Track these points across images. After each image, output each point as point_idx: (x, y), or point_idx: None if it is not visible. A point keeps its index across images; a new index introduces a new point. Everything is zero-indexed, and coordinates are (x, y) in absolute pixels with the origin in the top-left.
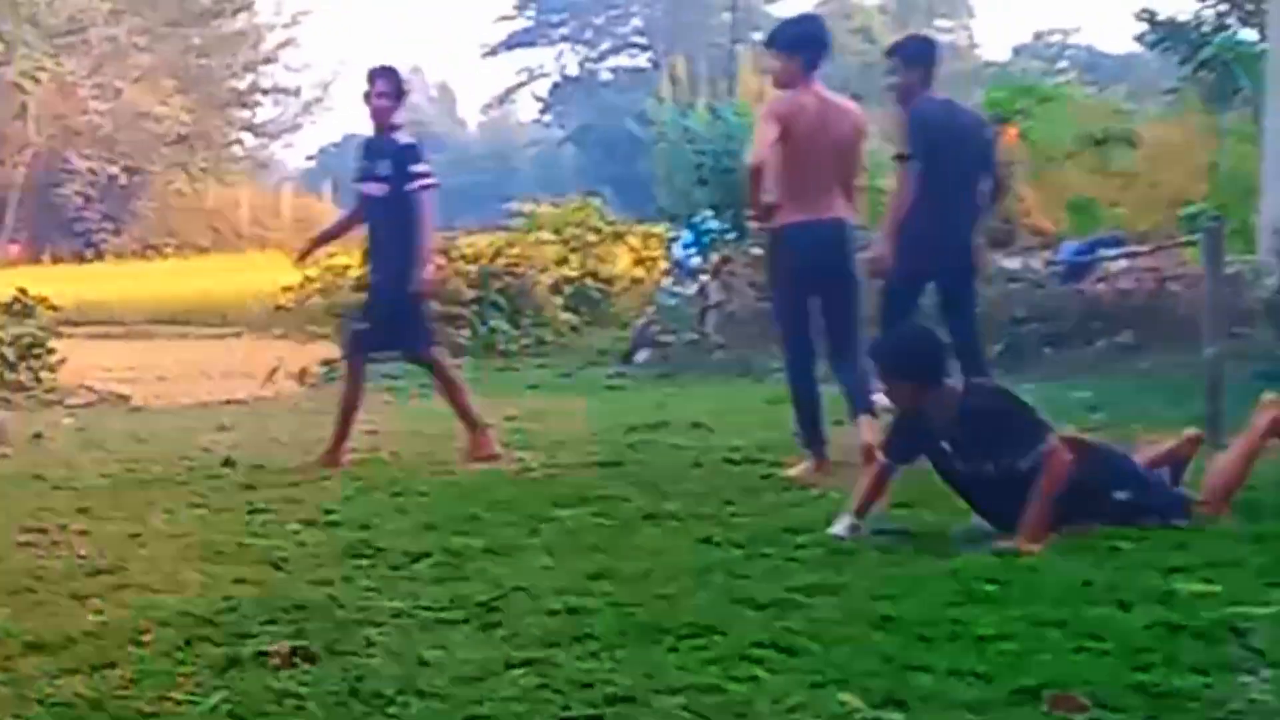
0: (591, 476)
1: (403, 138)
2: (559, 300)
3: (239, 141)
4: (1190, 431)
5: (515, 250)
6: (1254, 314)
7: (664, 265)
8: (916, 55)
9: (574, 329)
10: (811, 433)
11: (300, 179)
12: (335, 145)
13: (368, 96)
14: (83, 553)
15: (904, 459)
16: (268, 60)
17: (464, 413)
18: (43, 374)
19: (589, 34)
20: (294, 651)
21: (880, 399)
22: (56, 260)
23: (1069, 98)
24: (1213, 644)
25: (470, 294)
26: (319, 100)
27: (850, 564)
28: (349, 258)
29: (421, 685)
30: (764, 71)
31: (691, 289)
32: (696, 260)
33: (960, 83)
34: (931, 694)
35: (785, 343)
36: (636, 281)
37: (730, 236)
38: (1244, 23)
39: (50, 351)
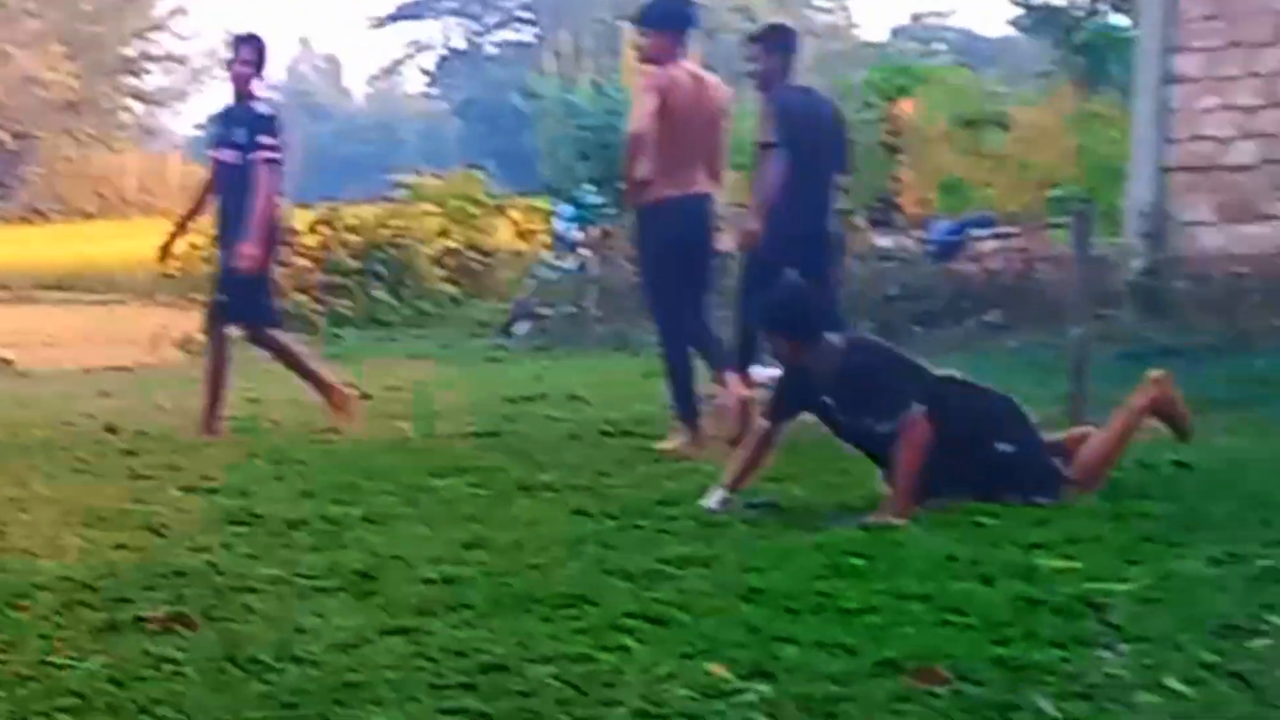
0: (468, 447)
1: (261, 108)
2: (441, 272)
3: (127, 108)
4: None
5: (399, 221)
6: (1119, 296)
7: (545, 239)
8: (777, 43)
9: (455, 300)
10: (685, 405)
11: (188, 147)
12: (220, 115)
13: (230, 63)
14: None
15: (788, 416)
16: (157, 28)
17: (313, 379)
18: None
19: (475, 8)
20: (172, 617)
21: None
22: None
23: (944, 80)
24: (1071, 619)
25: (354, 264)
26: (208, 69)
27: (720, 536)
28: None
29: (298, 652)
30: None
31: (571, 263)
32: (577, 234)
33: (839, 63)
34: (797, 665)
35: (657, 316)
36: (518, 254)
37: (611, 211)
38: (1115, 8)
39: None
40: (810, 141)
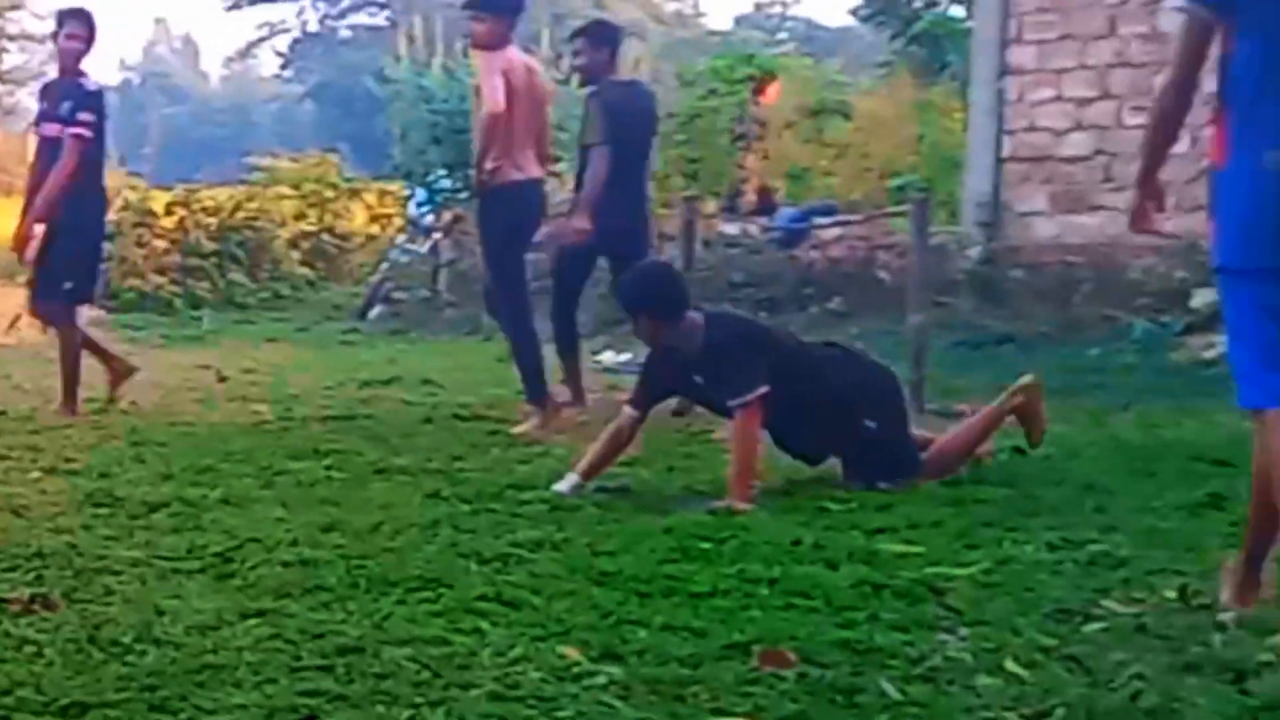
0: (324, 430)
1: (88, 84)
2: (296, 255)
3: None
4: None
5: (254, 204)
6: (958, 284)
7: (400, 223)
8: (602, 38)
9: (311, 284)
10: (535, 388)
11: None
12: None
13: (56, 37)
14: None
15: (656, 401)
16: (15, 6)
17: (101, 354)
18: None
19: None
20: (33, 599)
21: (605, 359)
22: None
23: (788, 69)
24: (913, 602)
25: (210, 247)
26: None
27: (571, 520)
28: None
29: (158, 634)
30: (465, 35)
31: (425, 247)
32: (430, 219)
33: (685, 51)
34: (647, 648)
35: (505, 299)
36: (372, 238)
37: (463, 195)
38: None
39: None
40: (631, 137)
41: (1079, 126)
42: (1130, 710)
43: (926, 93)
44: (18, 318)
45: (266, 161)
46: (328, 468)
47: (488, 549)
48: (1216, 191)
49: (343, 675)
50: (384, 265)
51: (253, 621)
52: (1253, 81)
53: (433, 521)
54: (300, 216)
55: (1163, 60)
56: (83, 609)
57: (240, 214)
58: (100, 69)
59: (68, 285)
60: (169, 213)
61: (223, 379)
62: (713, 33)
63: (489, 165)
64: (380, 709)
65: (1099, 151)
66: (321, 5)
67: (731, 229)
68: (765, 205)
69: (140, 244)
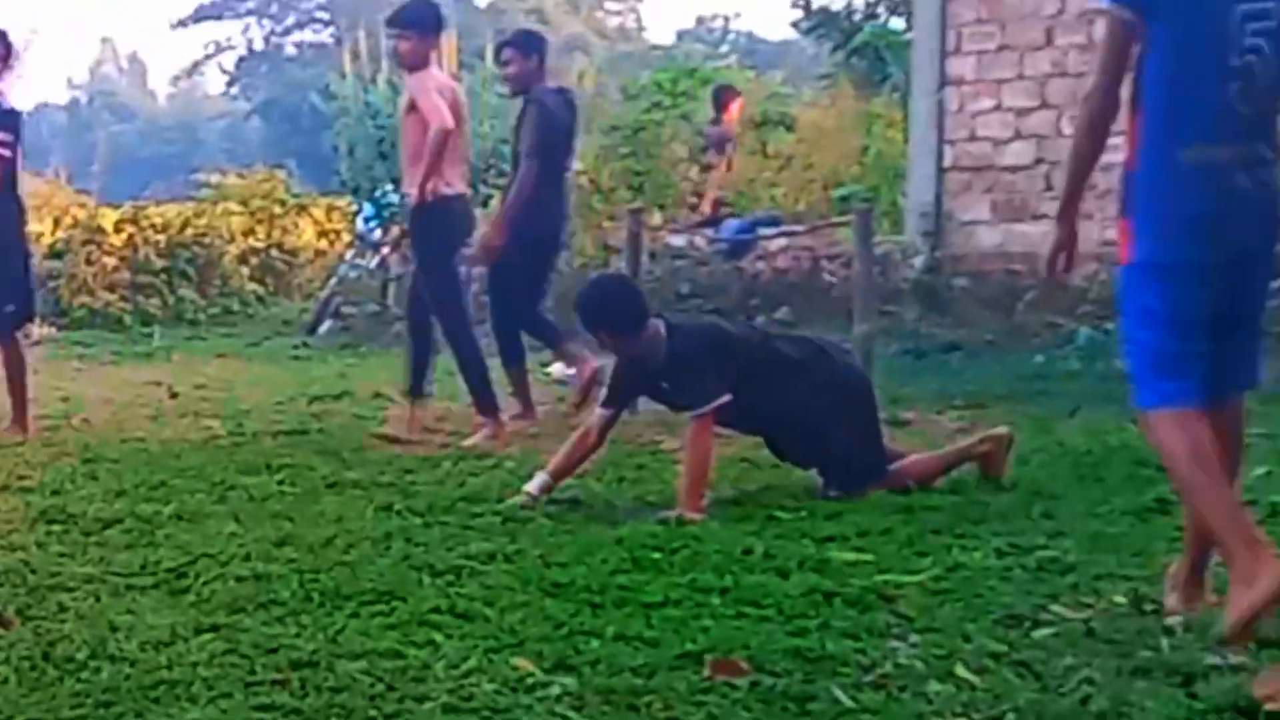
0: (276, 445)
1: (5, 103)
2: (246, 270)
3: None
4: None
5: (203, 220)
6: (902, 293)
7: (348, 238)
8: (529, 47)
9: (260, 299)
10: (484, 399)
11: None
12: (28, 114)
13: None
14: None
15: (625, 403)
16: None
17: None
18: None
19: (274, 8)
20: None
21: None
22: None
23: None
24: (864, 610)
25: (160, 263)
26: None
27: (523, 531)
28: (40, 224)
29: (112, 650)
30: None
31: (373, 261)
32: (378, 233)
33: (628, 65)
34: (600, 658)
35: (447, 313)
36: (320, 254)
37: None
38: (892, 11)
39: None
40: (558, 145)
41: (1019, 136)
42: (1080, 714)
43: (868, 104)
44: None
45: (214, 178)
46: (280, 482)
47: (440, 561)
48: (1133, 191)
49: (297, 689)
50: (333, 280)
51: (207, 637)
52: (1166, 80)
53: (385, 535)
54: (249, 233)
55: None
56: (36, 626)
57: (189, 230)
58: (48, 89)
59: (9, 308)
60: (118, 230)
61: (174, 395)
62: (655, 47)
63: (437, 177)
64: None
65: (1039, 160)
66: (267, 23)
67: (678, 241)
68: (715, 218)
69: (90, 261)
